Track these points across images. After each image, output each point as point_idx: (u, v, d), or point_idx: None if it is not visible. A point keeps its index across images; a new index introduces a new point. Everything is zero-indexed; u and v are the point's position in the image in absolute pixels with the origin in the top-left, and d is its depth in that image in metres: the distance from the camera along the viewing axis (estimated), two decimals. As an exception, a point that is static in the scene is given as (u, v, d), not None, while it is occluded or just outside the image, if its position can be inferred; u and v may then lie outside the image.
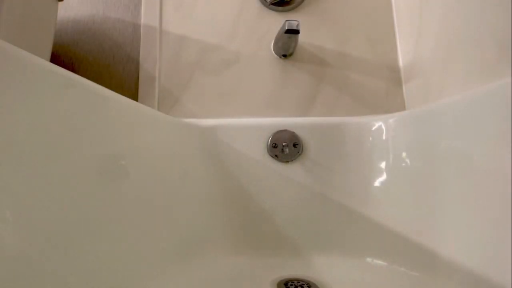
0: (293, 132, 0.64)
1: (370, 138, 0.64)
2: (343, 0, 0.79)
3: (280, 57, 0.76)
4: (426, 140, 0.53)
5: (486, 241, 0.40)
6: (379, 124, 0.63)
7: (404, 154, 0.57)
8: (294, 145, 0.64)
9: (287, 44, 0.69)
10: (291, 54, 0.76)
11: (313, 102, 0.75)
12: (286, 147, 0.63)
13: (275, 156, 0.64)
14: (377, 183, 0.61)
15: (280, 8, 0.77)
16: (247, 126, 0.66)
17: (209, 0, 0.78)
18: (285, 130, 0.64)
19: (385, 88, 0.76)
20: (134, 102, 0.47)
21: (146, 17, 0.77)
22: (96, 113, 0.39)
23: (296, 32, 0.62)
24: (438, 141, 0.50)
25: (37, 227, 0.28)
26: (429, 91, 0.65)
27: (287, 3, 0.77)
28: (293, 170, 0.64)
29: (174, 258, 0.49)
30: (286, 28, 0.61)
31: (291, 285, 0.48)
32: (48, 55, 0.62)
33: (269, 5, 0.77)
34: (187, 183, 0.58)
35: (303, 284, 0.49)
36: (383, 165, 0.61)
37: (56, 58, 0.76)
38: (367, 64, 0.76)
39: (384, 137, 0.62)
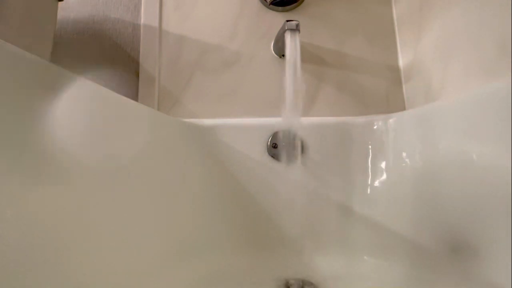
0: (293, 132, 0.64)
1: (370, 138, 0.64)
2: (343, 0, 0.79)
3: (280, 57, 0.76)
4: (426, 140, 0.53)
5: (486, 241, 0.40)
6: (379, 124, 0.63)
7: (404, 154, 0.57)
8: (294, 145, 0.64)
9: (287, 44, 0.69)
10: (291, 54, 0.76)
11: (313, 102, 0.75)
12: (286, 147, 0.63)
13: (275, 156, 0.64)
14: (377, 183, 0.61)
15: (280, 8, 0.77)
16: (247, 126, 0.66)
17: (209, 0, 0.78)
18: (285, 130, 0.64)
19: (385, 88, 0.76)
20: (134, 102, 0.47)
21: (146, 17, 0.77)
22: (95, 113, 0.39)
23: (296, 32, 0.62)
24: (438, 141, 0.50)
25: (37, 227, 0.28)
26: (429, 91, 0.65)
27: (287, 3, 0.77)
28: (293, 170, 0.64)
29: (174, 257, 0.49)
30: (286, 28, 0.61)
31: (291, 284, 0.48)
32: (48, 55, 0.62)
33: (269, 5, 0.77)
34: (187, 183, 0.58)
35: (303, 284, 0.49)
36: (383, 165, 0.61)
37: (56, 58, 0.76)
38: (367, 64, 0.76)
39: (384, 137, 0.62)
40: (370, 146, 0.63)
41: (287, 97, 0.57)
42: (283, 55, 0.75)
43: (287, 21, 0.60)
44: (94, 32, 0.77)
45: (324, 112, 0.74)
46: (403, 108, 0.75)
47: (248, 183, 0.63)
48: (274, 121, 0.66)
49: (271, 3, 0.76)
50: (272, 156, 0.64)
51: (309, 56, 0.76)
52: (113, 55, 0.76)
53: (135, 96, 0.74)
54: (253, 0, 0.78)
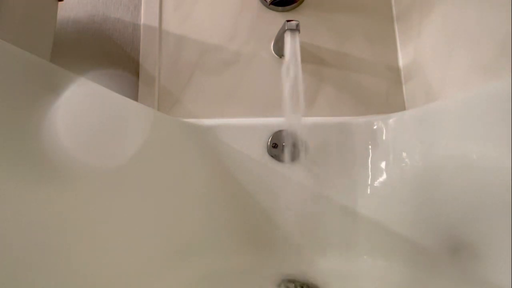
0: (293, 132, 0.64)
1: (370, 138, 0.64)
2: (343, 0, 0.79)
3: (280, 57, 0.76)
4: (426, 140, 0.53)
5: (486, 241, 0.40)
6: (379, 124, 0.63)
7: (404, 154, 0.57)
8: (294, 145, 0.64)
9: (287, 44, 0.69)
10: (291, 54, 0.76)
11: (313, 102, 0.75)
12: (286, 147, 0.63)
13: (275, 156, 0.64)
14: (377, 183, 0.61)
15: (280, 8, 0.77)
16: (247, 126, 0.66)
17: (209, 0, 0.78)
18: (285, 130, 0.64)
19: (385, 88, 0.76)
20: (134, 102, 0.47)
21: (146, 17, 0.77)
22: (95, 113, 0.39)
23: (296, 32, 0.62)
24: (438, 141, 0.50)
25: (37, 227, 0.28)
26: (429, 91, 0.65)
27: (287, 3, 0.77)
28: (293, 170, 0.64)
29: (174, 257, 0.49)
30: (286, 28, 0.61)
31: (291, 284, 0.48)
32: (48, 55, 0.62)
33: (269, 5, 0.77)
34: (186, 183, 0.58)
35: (303, 284, 0.49)
36: (383, 165, 0.61)
37: (56, 58, 0.76)
38: (367, 64, 0.76)
39: (384, 137, 0.62)
40: (370, 146, 0.63)
41: (287, 98, 0.57)
42: (283, 55, 0.75)
43: (287, 21, 0.60)
44: (94, 32, 0.77)
45: (324, 112, 0.74)
46: (403, 108, 0.75)
47: (248, 183, 0.63)
48: (274, 121, 0.66)
49: (271, 3, 0.76)
50: (272, 156, 0.64)
51: (309, 56, 0.76)
52: (113, 55, 0.76)
53: (135, 96, 0.74)
54: (253, 0, 0.78)
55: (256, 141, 0.65)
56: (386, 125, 0.62)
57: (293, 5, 0.77)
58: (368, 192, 0.61)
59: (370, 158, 0.63)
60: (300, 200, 0.63)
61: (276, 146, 0.64)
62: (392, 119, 0.62)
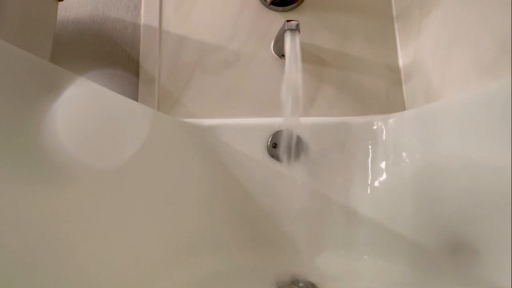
0: (293, 132, 0.64)
1: (370, 138, 0.64)
2: (343, 0, 0.79)
3: (280, 57, 0.76)
4: (426, 140, 0.53)
5: (486, 241, 0.40)
6: (379, 124, 0.63)
7: (404, 154, 0.57)
8: (294, 145, 0.64)
9: (287, 44, 0.69)
10: (291, 54, 0.76)
11: (313, 102, 0.75)
12: (286, 147, 0.63)
13: (275, 156, 0.64)
14: (377, 183, 0.61)
15: (280, 8, 0.77)
16: (247, 126, 0.66)
17: (209, 0, 0.78)
18: (285, 130, 0.64)
19: (385, 88, 0.76)
20: (134, 102, 0.47)
21: (146, 17, 0.77)
22: (95, 113, 0.39)
23: (296, 32, 0.62)
24: (438, 141, 0.50)
25: (37, 228, 0.28)
26: (429, 91, 0.65)
27: (287, 3, 0.77)
28: (293, 170, 0.64)
29: (174, 257, 0.49)
30: (286, 28, 0.61)
31: (291, 284, 0.48)
32: (48, 55, 0.62)
33: (269, 5, 0.77)
34: (186, 183, 0.58)
35: (303, 283, 0.49)
36: (383, 165, 0.61)
37: (56, 58, 0.76)
38: (367, 64, 0.76)
39: (384, 137, 0.62)
40: (370, 146, 0.63)
41: (287, 97, 0.57)
42: (283, 55, 0.75)
43: (287, 21, 0.60)
44: (94, 32, 0.77)
45: (324, 112, 0.74)
46: (403, 108, 0.75)
47: (248, 183, 0.63)
48: (274, 121, 0.66)
49: (271, 3, 0.76)
50: (272, 156, 0.64)
51: (309, 56, 0.76)
52: (113, 55, 0.76)
53: (135, 96, 0.74)
54: (253, 0, 0.78)
55: (256, 141, 0.65)
56: (386, 125, 0.62)
57: (293, 5, 0.77)
58: (368, 192, 0.61)
59: (370, 158, 0.63)
60: (300, 200, 0.63)
61: (276, 146, 0.64)
62: (392, 119, 0.62)
